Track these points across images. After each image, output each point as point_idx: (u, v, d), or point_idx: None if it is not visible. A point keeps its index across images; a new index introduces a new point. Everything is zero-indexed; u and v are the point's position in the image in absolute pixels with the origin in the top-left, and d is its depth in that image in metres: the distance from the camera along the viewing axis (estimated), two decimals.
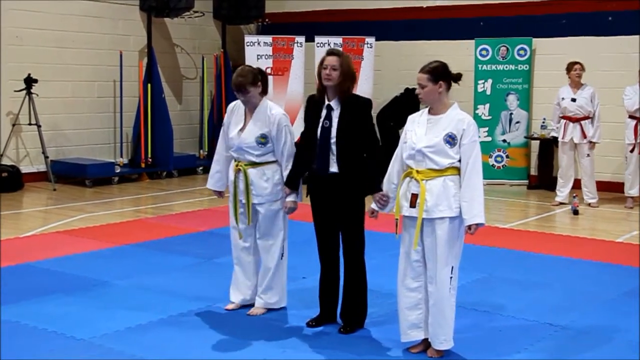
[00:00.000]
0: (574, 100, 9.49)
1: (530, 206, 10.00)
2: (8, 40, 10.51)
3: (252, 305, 5.20)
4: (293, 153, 4.96)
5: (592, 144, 9.50)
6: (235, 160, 5.06)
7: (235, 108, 5.12)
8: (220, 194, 5.26)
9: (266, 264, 5.11)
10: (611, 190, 10.22)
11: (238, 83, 4.89)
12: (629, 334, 4.88)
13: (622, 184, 9.72)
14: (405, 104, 11.17)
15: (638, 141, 9.33)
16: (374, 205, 4.58)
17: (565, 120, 9.56)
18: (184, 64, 12.94)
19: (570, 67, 9.55)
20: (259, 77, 4.98)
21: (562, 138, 9.61)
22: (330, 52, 4.74)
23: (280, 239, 5.09)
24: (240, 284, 5.24)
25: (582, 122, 9.45)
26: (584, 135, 9.45)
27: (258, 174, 4.98)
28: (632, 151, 9.41)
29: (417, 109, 5.15)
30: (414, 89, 4.46)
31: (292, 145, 4.99)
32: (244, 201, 5.04)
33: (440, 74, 4.30)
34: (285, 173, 4.96)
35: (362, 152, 4.72)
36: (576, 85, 9.52)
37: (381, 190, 4.54)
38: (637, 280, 6.07)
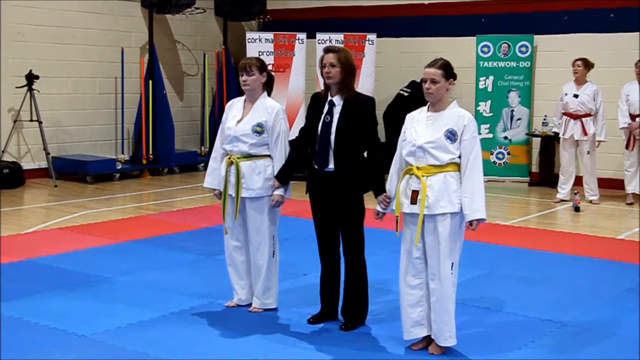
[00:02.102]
0: (576, 96, 9.48)
1: (532, 203, 10.00)
2: (10, 36, 10.51)
3: (249, 305, 5.18)
4: (285, 147, 4.96)
5: (598, 142, 9.50)
6: (228, 155, 5.06)
7: (234, 103, 5.14)
8: (220, 194, 5.13)
9: (256, 262, 5.06)
10: (612, 187, 10.21)
11: (246, 62, 5.00)
12: (631, 330, 4.88)
13: (624, 181, 9.72)
14: (411, 100, 11.08)
15: (632, 138, 9.34)
16: (378, 207, 4.58)
17: (566, 117, 9.57)
18: (185, 61, 12.94)
19: (572, 63, 9.56)
20: (266, 70, 5.05)
21: (563, 135, 9.61)
22: (328, 50, 4.74)
23: (270, 237, 5.03)
24: (235, 285, 5.22)
25: (583, 119, 9.45)
26: (585, 132, 9.45)
27: (250, 167, 4.95)
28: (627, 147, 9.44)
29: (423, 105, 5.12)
30: (421, 83, 4.43)
31: (286, 138, 4.98)
32: (233, 195, 5.00)
33: (451, 71, 4.32)
34: (277, 166, 4.95)
35: (361, 151, 4.72)
36: (579, 81, 9.52)
37: (384, 191, 4.54)
38: (638, 277, 6.08)
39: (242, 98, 5.12)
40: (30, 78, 10.31)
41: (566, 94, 9.59)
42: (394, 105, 11.67)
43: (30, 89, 10.32)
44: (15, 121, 10.50)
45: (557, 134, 9.99)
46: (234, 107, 5.10)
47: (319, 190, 4.79)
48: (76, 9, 11.27)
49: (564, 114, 9.61)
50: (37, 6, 10.77)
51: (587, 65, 9.49)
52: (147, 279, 5.91)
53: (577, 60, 9.53)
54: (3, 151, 10.39)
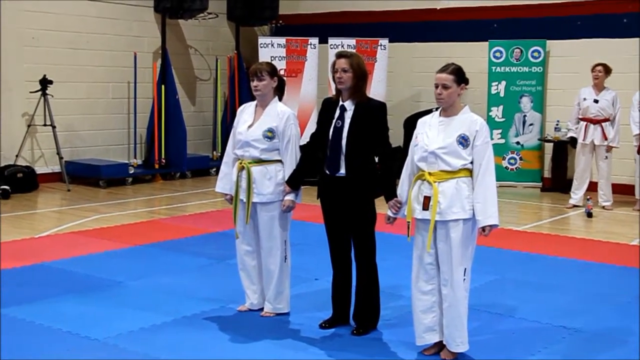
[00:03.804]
0: (596, 101, 9.44)
1: (544, 208, 9.97)
2: (24, 41, 10.58)
3: (260, 309, 5.19)
4: (296, 152, 4.96)
5: (609, 148, 9.46)
6: (239, 160, 5.07)
7: (245, 108, 5.15)
8: (231, 198, 5.11)
9: (268, 267, 5.07)
10: (626, 193, 10.15)
11: (256, 67, 4.99)
12: None
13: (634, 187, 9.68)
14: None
15: None
16: (389, 212, 4.57)
17: (585, 122, 9.50)
18: (197, 66, 12.98)
19: (592, 68, 9.52)
20: (277, 74, 5.05)
21: (583, 140, 9.53)
22: (340, 55, 4.74)
23: (282, 241, 5.03)
24: (247, 289, 5.23)
25: (603, 124, 9.41)
26: (605, 137, 9.41)
27: (261, 172, 4.96)
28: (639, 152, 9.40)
29: None
30: None
31: (297, 144, 4.98)
32: (244, 200, 5.01)
33: (462, 76, 4.31)
34: (288, 171, 4.96)
35: (372, 156, 4.72)
36: (599, 87, 9.48)
37: (395, 196, 4.54)
38: (639, 282, 6.06)
39: (254, 103, 5.12)
40: (44, 83, 10.38)
41: (585, 99, 9.52)
42: (420, 115, 11.63)
43: (44, 94, 10.38)
44: (29, 126, 10.56)
45: (573, 138, 9.91)
46: (245, 112, 5.11)
47: (331, 195, 4.79)
48: (90, 14, 11.33)
49: (582, 119, 9.55)
50: (51, 11, 10.84)
51: (607, 70, 9.46)
52: (159, 283, 5.93)
53: (597, 65, 9.48)
54: (17, 155, 10.45)
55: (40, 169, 10.75)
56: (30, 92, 10.42)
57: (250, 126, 4.99)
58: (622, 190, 10.20)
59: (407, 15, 12.27)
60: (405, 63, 12.28)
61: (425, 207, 4.28)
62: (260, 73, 4.96)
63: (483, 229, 4.23)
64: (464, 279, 4.28)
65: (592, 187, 9.76)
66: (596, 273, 6.51)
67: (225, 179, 5.16)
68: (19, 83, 10.50)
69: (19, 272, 6.11)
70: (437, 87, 4.30)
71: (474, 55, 11.31)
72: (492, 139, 4.40)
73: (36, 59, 10.67)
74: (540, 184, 11.27)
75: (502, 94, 11.39)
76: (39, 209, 9.28)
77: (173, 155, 11.71)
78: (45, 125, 10.46)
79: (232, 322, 5.04)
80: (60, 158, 10.55)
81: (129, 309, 5.26)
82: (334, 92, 4.87)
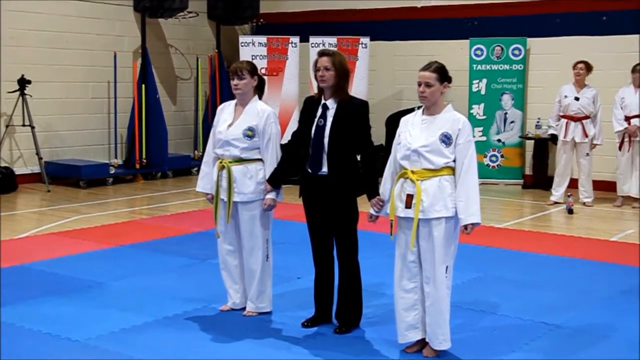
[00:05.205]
0: (577, 99, 9.49)
1: (525, 206, 10.01)
2: (2, 40, 10.47)
3: (243, 309, 5.18)
4: (277, 150, 4.95)
5: (594, 145, 9.53)
6: (219, 159, 5.05)
7: (225, 107, 5.15)
8: (212, 198, 5.10)
9: (250, 266, 5.05)
10: (606, 189, 10.23)
11: (237, 66, 4.99)
12: (625, 332, 4.89)
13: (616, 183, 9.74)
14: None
15: (627, 140, 9.37)
16: (371, 210, 4.57)
17: (566, 120, 9.55)
18: (178, 65, 12.93)
19: (573, 65, 9.56)
20: (257, 73, 5.05)
21: (564, 137, 9.59)
22: (322, 53, 4.74)
23: (263, 240, 5.02)
24: (229, 289, 5.21)
25: (584, 121, 9.46)
26: (586, 135, 9.46)
27: (242, 171, 4.95)
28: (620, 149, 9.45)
29: None
30: None
31: (277, 142, 4.97)
32: (225, 199, 5.00)
33: (445, 74, 4.31)
34: (268, 169, 4.95)
35: (354, 154, 4.72)
36: (580, 84, 9.53)
37: (378, 194, 4.53)
38: (633, 278, 6.09)
39: (233, 102, 5.11)
40: (23, 83, 10.28)
41: (566, 96, 9.58)
42: (402, 114, 11.66)
43: (23, 94, 10.29)
44: (7, 126, 10.46)
45: (553, 135, 9.97)
46: (225, 111, 5.10)
47: (313, 193, 4.78)
48: (69, 13, 11.25)
49: (563, 116, 9.60)
50: (29, 10, 10.74)
51: (589, 68, 9.52)
52: (141, 283, 5.90)
53: (578, 62, 9.54)
54: None
55: (19, 170, 10.65)
56: (8, 92, 10.33)
57: (230, 125, 4.98)
58: (602, 187, 10.27)
59: (388, 13, 12.28)
60: (386, 61, 12.30)
61: (408, 205, 4.28)
62: (240, 72, 4.95)
63: (465, 227, 4.23)
64: (446, 277, 4.29)
65: (573, 183, 9.81)
66: (577, 269, 6.55)
67: (206, 179, 5.14)
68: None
69: None
70: (419, 85, 4.30)
71: (454, 53, 11.34)
72: (473, 136, 4.39)
73: (14, 59, 10.57)
74: (522, 181, 11.32)
75: (483, 92, 11.43)
76: (19, 210, 9.19)
77: (154, 154, 11.66)
78: (24, 125, 10.36)
79: (215, 321, 5.02)
80: (40, 158, 10.46)
81: (110, 309, 5.22)
82: (315, 91, 4.86)
